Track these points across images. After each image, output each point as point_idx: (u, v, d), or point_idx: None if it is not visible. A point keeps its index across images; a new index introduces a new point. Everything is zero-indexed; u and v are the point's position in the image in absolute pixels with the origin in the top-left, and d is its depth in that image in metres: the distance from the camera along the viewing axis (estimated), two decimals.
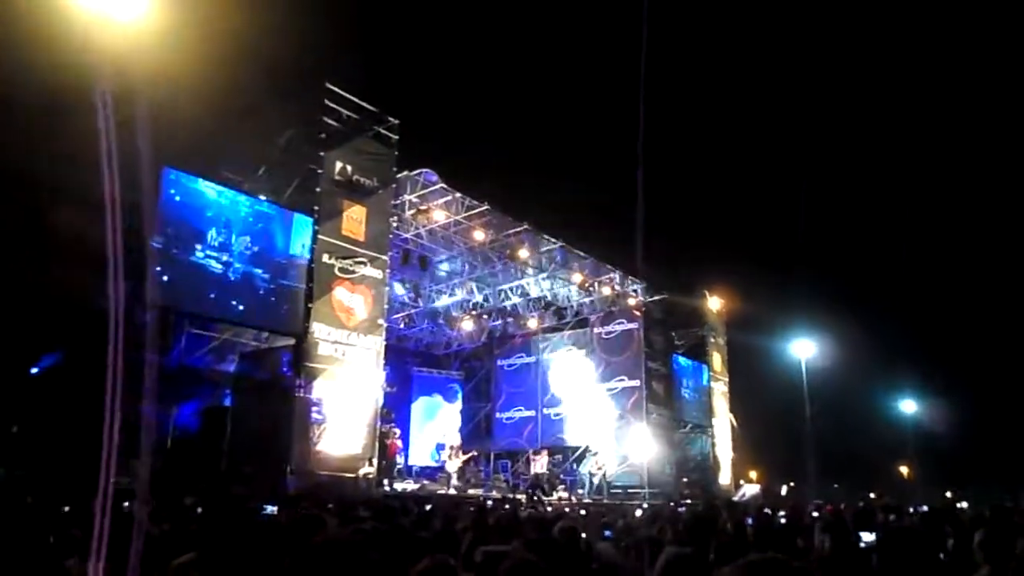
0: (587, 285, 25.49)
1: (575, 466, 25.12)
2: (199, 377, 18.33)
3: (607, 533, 6.59)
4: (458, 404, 27.82)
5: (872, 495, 30.65)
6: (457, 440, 24.76)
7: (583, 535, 5.24)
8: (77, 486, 8.17)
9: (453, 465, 21.65)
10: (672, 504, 18.10)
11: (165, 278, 14.76)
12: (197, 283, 15.41)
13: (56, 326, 14.97)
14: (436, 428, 26.87)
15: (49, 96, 11.78)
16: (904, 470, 41.89)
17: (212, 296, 15.76)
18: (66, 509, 7.76)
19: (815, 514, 8.74)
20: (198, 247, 15.46)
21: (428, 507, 11.02)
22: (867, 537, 5.17)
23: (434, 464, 25.44)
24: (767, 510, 8.11)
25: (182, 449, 16.58)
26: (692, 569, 3.16)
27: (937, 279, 41.27)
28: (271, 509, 6.21)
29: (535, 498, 19.21)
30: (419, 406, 27.01)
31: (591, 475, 22.51)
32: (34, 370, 15.45)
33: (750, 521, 6.47)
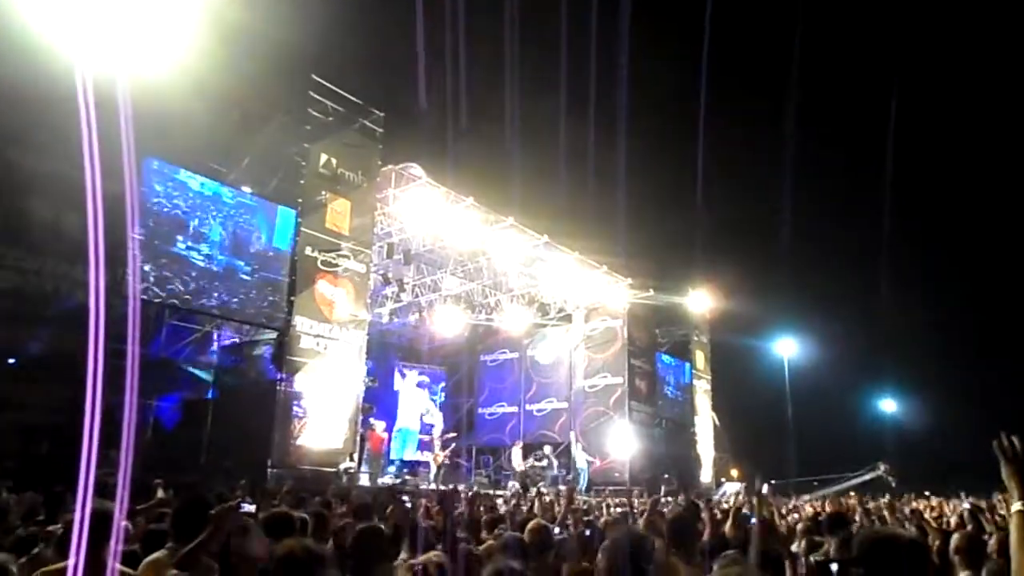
0: (571, 281, 25.43)
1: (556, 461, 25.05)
2: (180, 370, 18.19)
3: (587, 532, 6.57)
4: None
5: (852, 493, 30.78)
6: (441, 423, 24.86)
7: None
8: (53, 480, 8.09)
9: (437, 453, 21.67)
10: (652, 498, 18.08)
11: (147, 268, 14.63)
12: (179, 274, 15.29)
13: (36, 318, 14.80)
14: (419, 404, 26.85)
15: (29, 84, 11.62)
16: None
17: (193, 288, 15.64)
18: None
19: (795, 516, 8.72)
20: (180, 238, 15.33)
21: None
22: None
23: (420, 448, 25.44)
24: (745, 511, 8.06)
25: (161, 442, 16.46)
26: None
27: (919, 278, 41.49)
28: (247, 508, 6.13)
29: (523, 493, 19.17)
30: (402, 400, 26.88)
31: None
32: (11, 360, 15.28)
33: (752, 522, 6.34)
